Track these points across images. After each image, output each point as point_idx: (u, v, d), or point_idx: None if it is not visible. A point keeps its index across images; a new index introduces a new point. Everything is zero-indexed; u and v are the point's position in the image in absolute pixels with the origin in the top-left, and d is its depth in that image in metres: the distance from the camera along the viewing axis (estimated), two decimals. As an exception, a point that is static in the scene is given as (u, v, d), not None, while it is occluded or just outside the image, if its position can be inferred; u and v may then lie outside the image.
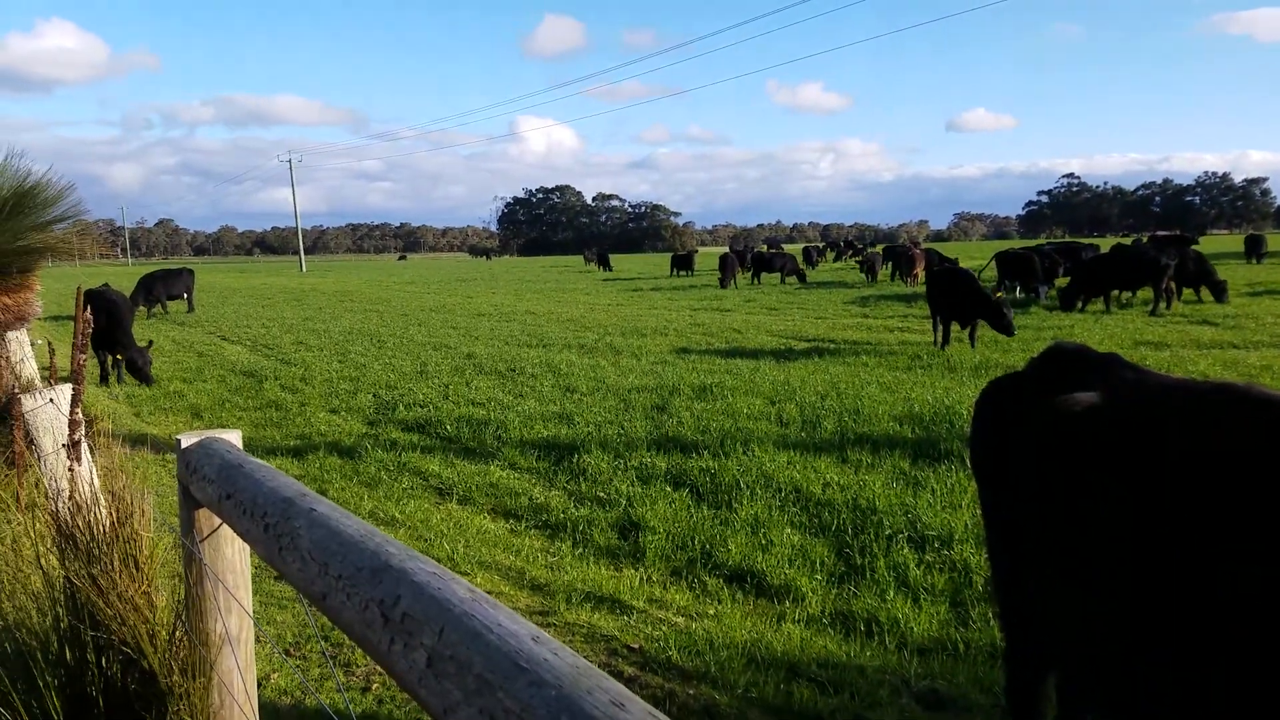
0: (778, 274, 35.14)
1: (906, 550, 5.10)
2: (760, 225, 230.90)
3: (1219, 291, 19.75)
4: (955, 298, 13.71)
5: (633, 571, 5.07)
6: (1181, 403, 2.11)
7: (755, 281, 34.45)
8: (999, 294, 14.17)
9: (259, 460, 2.44)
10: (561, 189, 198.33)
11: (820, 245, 66.54)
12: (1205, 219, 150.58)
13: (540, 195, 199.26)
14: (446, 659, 1.33)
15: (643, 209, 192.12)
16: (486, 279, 47.21)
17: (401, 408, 9.87)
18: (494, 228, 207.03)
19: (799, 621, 4.33)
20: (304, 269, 79.53)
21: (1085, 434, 2.20)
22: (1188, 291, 20.71)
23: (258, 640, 3.85)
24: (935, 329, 14.48)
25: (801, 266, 37.15)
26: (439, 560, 5.18)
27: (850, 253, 58.19)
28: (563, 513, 6.08)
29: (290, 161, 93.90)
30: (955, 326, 14.14)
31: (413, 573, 1.57)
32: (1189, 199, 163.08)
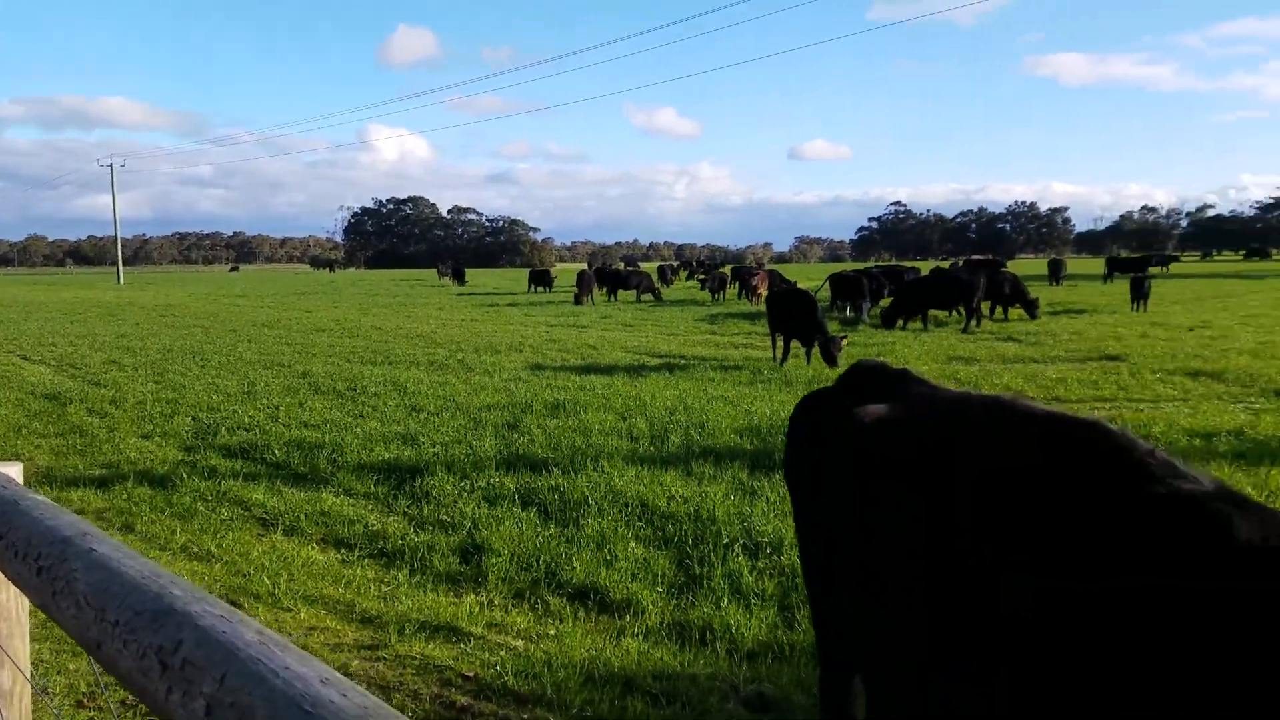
0: (634, 291, 35.66)
1: (741, 558, 5.25)
2: (619, 243, 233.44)
3: (1032, 309, 21.65)
4: (794, 317, 14.32)
5: (473, 597, 4.95)
6: (958, 414, 2.29)
7: (612, 299, 34.78)
8: (839, 332, 14.81)
9: (39, 496, 2.21)
10: (415, 200, 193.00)
11: (674, 264, 67.99)
12: (1015, 244, 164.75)
13: (391, 206, 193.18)
14: (227, 706, 1.24)
15: (501, 223, 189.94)
16: (329, 292, 45.28)
17: (224, 431, 9.27)
18: (339, 238, 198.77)
19: (638, 635, 4.36)
20: (122, 281, 73.62)
21: (873, 444, 2.34)
22: (997, 310, 22.57)
23: (46, 691, 3.49)
24: (774, 346, 15.08)
25: (657, 285, 37.87)
26: (259, 597, 4.91)
27: (702, 272, 59.86)
28: (401, 539, 5.87)
29: (111, 165, 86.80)
30: (796, 344, 14.76)
31: (198, 616, 1.46)
32: (1001, 226, 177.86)
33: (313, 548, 5.85)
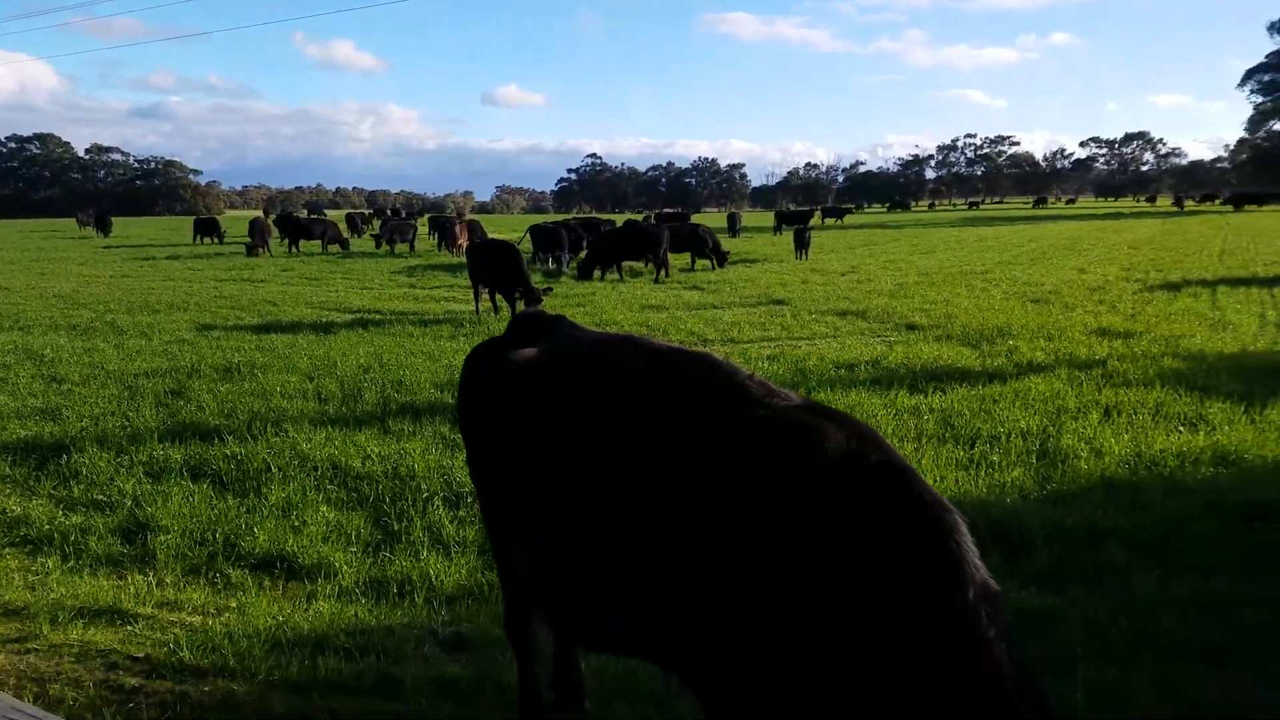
0: (318, 241, 33.41)
1: (442, 510, 5.29)
2: (300, 188, 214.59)
3: (723, 260, 23.46)
4: (497, 269, 14.31)
5: (140, 577, 4.53)
6: (596, 351, 2.55)
7: (293, 250, 32.33)
8: (542, 284, 14.99)
9: None
10: (42, 138, 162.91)
11: (366, 212, 64.37)
12: (700, 198, 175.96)
13: (14, 145, 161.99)
14: None
15: (154, 165, 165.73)
16: (-65, 248, 37.53)
17: None
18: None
19: (330, 597, 4.26)
20: None
21: (525, 383, 2.53)
22: (684, 260, 24.24)
23: None
24: (476, 298, 15.04)
25: (346, 234, 35.76)
26: None
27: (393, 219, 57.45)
28: (49, 523, 5.19)
29: None
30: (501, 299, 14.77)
31: None
32: (687, 180, 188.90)
33: (-68, 544, 4.98)
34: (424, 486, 5.65)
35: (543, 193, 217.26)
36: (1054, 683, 3.46)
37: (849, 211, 75.42)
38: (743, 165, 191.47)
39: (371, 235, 33.13)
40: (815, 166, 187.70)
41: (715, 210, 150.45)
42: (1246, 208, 67.42)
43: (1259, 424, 6.83)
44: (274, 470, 6.00)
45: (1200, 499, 5.25)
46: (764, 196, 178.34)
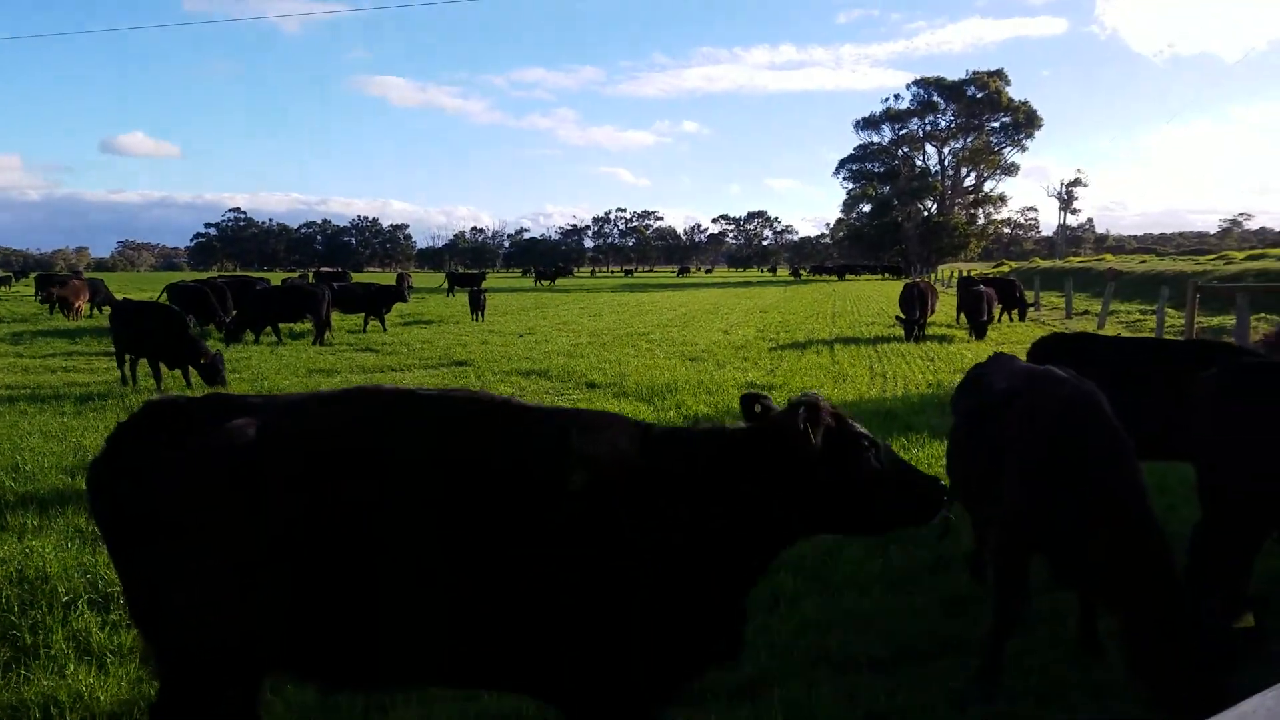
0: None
1: (89, 614, 4.54)
2: None
3: (383, 320, 22.69)
4: (152, 336, 12.64)
5: None
6: (317, 409, 2.69)
7: None
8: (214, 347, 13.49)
9: None
10: None
11: (-55, 268, 53.28)
12: (362, 257, 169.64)
13: None
14: None
15: None
16: None
17: None
18: None
19: (-57, 740, 3.42)
20: None
21: (260, 461, 2.51)
22: (356, 320, 23.19)
23: None
24: (122, 366, 13.15)
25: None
26: None
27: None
28: None
29: None
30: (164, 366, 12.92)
31: None
32: (346, 239, 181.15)
33: None
34: (61, 590, 4.79)
35: (176, 248, 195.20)
36: (753, 707, 3.79)
37: (564, 273, 79.09)
38: (406, 226, 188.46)
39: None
40: (481, 231, 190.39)
41: (379, 270, 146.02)
42: (847, 277, 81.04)
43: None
44: None
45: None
46: (430, 258, 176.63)
